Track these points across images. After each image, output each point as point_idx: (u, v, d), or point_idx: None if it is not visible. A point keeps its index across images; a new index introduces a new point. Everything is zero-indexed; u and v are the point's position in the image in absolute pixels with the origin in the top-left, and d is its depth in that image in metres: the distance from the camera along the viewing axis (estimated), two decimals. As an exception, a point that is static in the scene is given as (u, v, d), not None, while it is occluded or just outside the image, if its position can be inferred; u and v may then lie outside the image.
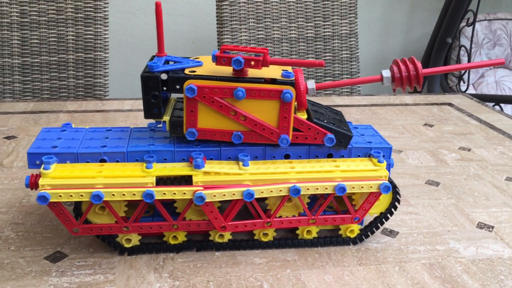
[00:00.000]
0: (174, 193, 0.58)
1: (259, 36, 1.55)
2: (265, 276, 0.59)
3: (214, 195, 0.58)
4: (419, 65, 0.61)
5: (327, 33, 1.60)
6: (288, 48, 1.57)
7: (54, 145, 0.61)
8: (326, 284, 0.58)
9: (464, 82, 1.86)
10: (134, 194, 0.58)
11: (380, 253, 0.64)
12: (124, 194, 0.57)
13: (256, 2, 1.54)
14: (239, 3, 1.52)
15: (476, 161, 0.94)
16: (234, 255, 0.63)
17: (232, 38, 1.52)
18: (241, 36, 1.53)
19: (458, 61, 1.90)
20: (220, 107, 0.59)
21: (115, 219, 0.60)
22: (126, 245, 0.62)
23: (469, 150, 0.99)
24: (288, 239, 0.65)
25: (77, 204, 0.60)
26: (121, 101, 1.21)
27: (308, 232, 0.65)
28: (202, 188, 0.58)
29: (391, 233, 0.69)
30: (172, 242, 0.63)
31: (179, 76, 0.59)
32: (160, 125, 0.67)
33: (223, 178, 0.59)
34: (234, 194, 0.59)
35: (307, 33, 1.59)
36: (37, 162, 0.60)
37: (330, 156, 0.64)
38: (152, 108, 0.60)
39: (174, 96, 0.66)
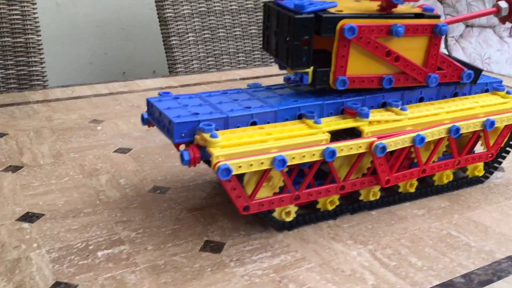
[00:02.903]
0: (351, 148, 0.51)
1: (201, 9, 1.45)
2: (442, 225, 0.55)
3: (390, 144, 0.53)
4: (534, -7, 0.62)
5: (266, 3, 1.56)
6: (230, 20, 1.50)
7: (195, 112, 0.50)
8: (503, 221, 0.56)
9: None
10: (313, 155, 0.49)
11: (510, 186, 0.64)
12: (304, 156, 0.49)
13: (194, -28, 1.44)
14: (177, -26, 1.41)
15: None
16: (390, 211, 0.58)
17: (174, 12, 1.40)
18: (183, 9, 1.42)
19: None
20: (376, 48, 0.53)
21: (275, 190, 0.51)
22: (288, 219, 0.53)
23: None
24: (427, 187, 0.62)
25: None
26: (89, 86, 1.04)
27: (447, 176, 0.62)
28: (376, 139, 0.52)
29: (497, 168, 0.69)
30: (330, 208, 0.55)
31: (334, 16, 0.52)
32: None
33: (387, 126, 0.54)
34: (405, 141, 0.54)
35: (246, 3, 1.53)
36: (183, 134, 0.48)
37: (455, 95, 0.62)
38: (302, 56, 0.52)
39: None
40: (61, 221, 0.53)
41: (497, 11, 0.62)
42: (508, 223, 0.56)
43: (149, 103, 0.53)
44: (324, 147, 0.49)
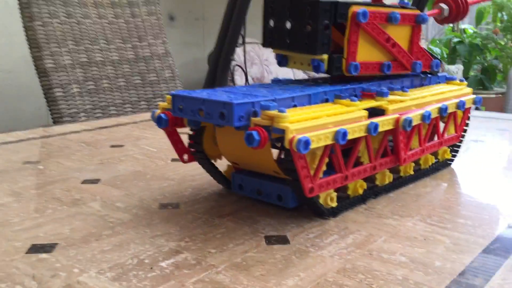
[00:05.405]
0: (384, 124, 0.52)
1: (82, 59, 1.37)
2: (455, 195, 0.59)
3: (414, 119, 0.55)
4: (465, -4, 0.72)
5: (146, 54, 1.54)
6: (113, 71, 1.44)
7: (242, 96, 0.46)
8: (492, 184, 0.62)
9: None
10: (361, 129, 0.49)
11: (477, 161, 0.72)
12: (355, 131, 0.48)
13: (70, 22, 1.37)
14: (52, 23, 1.33)
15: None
16: (404, 192, 0.59)
17: (54, 63, 1.30)
18: (64, 60, 1.33)
19: (233, 77, 2.09)
20: (379, 34, 0.57)
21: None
22: (333, 205, 0.51)
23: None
24: (418, 170, 0.65)
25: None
26: (6, 134, 0.89)
27: (431, 159, 0.66)
28: (398, 115, 0.54)
29: (458, 151, 0.76)
30: (360, 191, 0.55)
31: (347, 2, 0.54)
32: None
33: (401, 105, 0.57)
34: (418, 117, 0.57)
35: (127, 54, 1.49)
36: (242, 117, 0.44)
37: (421, 86, 0.68)
38: (324, 40, 0.53)
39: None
40: (85, 246, 0.44)
41: (440, 13, 0.71)
42: (496, 184, 0.62)
43: (177, 97, 0.48)
44: (369, 121, 0.50)
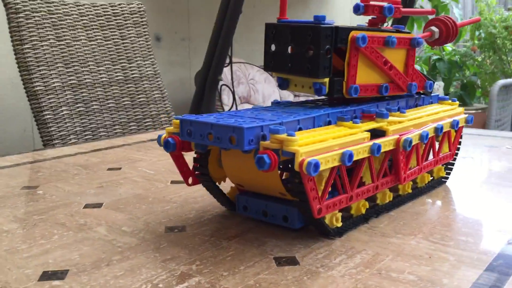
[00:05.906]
0: (386, 145, 0.54)
1: (72, 81, 1.38)
2: (453, 212, 0.60)
3: (414, 140, 0.57)
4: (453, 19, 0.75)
5: (135, 75, 1.55)
6: (102, 93, 1.44)
7: (251, 120, 0.47)
8: (489, 199, 0.64)
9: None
10: (365, 151, 0.51)
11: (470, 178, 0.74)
12: (359, 152, 0.50)
13: (60, 45, 1.37)
14: (42, 46, 1.33)
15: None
16: (403, 211, 0.61)
17: (44, 85, 1.30)
18: (53, 83, 1.33)
19: (220, 97, 2.11)
20: (377, 57, 0.58)
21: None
22: (338, 225, 0.52)
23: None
24: (415, 188, 0.67)
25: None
26: (0, 158, 0.89)
27: (427, 178, 0.68)
28: (398, 136, 0.56)
29: (452, 169, 0.78)
30: (363, 210, 0.56)
31: (347, 28, 0.55)
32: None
33: (400, 126, 0.58)
34: (417, 137, 0.59)
35: (116, 76, 1.50)
36: (252, 140, 0.45)
37: (416, 106, 0.70)
38: (326, 64, 0.54)
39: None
40: (96, 272, 0.44)
41: (431, 35, 0.74)
42: (490, 201, 0.64)
43: (185, 122, 0.49)
44: (371, 143, 0.51)
